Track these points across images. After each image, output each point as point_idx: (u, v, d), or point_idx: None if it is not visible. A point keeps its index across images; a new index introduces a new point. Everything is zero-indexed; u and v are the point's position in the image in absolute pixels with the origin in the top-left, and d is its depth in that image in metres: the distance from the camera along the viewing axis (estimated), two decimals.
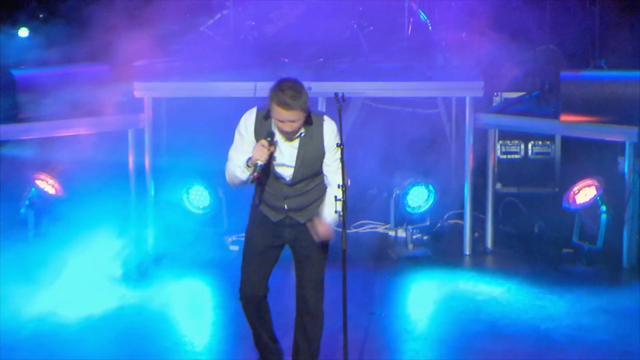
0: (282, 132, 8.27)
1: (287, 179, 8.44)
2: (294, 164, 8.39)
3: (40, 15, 12.39)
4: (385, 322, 10.19)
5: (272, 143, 8.25)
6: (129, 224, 11.44)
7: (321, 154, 8.43)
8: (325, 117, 8.51)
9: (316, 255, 8.58)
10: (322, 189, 8.61)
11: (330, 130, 8.42)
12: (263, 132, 8.33)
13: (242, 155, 8.34)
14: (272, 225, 8.59)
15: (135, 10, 11.66)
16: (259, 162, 8.11)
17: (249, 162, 8.17)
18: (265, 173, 8.37)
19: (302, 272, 8.62)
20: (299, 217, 8.56)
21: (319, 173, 8.56)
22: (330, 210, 8.28)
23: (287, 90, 8.09)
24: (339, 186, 8.14)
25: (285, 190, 8.52)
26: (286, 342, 8.92)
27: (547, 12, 11.61)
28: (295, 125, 8.19)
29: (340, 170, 8.28)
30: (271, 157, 8.28)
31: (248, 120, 8.38)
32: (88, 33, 11.83)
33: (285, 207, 8.54)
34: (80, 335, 9.86)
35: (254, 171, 8.13)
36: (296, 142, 8.40)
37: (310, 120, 8.37)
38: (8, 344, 9.68)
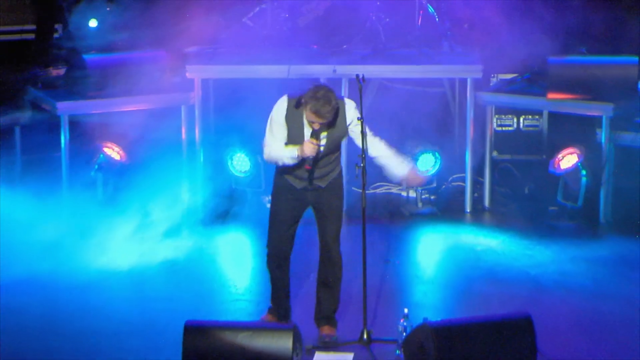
0: (312, 128, 8.26)
1: (311, 163, 8.47)
2: (322, 145, 8.35)
3: (107, 9, 12.30)
4: (398, 268, 10.21)
5: (319, 139, 8.27)
6: (182, 185, 11.42)
7: (344, 133, 8.46)
8: (346, 100, 8.52)
9: (335, 211, 8.63)
10: (337, 158, 8.66)
11: (350, 109, 8.41)
12: (296, 119, 8.36)
13: (279, 141, 8.37)
14: (297, 192, 8.59)
15: (187, 4, 11.54)
16: (310, 156, 8.25)
17: (298, 154, 8.23)
18: None
19: (324, 226, 8.62)
20: (320, 183, 8.58)
21: (339, 148, 8.62)
22: (400, 166, 8.54)
23: (321, 100, 8.08)
24: (359, 154, 8.18)
25: (310, 164, 8.50)
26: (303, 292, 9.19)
27: (537, 6, 11.48)
28: (324, 124, 8.23)
29: (377, 138, 8.42)
30: (302, 137, 8.32)
31: (280, 109, 8.35)
32: (147, 23, 11.77)
33: (311, 176, 8.55)
34: (142, 279, 9.91)
35: (305, 164, 8.31)
36: (324, 132, 8.38)
37: (337, 107, 8.30)
38: (81, 287, 9.72)
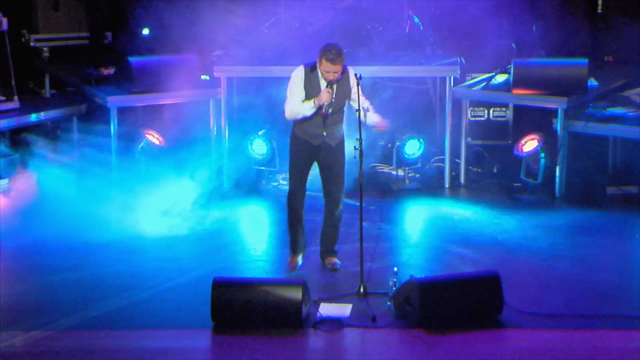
0: (328, 79, 8.65)
1: (329, 110, 8.75)
2: (335, 98, 8.70)
3: (150, 19, 12.31)
4: (388, 234, 10.21)
5: (333, 90, 8.66)
6: (210, 166, 11.36)
7: (349, 92, 8.84)
8: (349, 68, 8.93)
9: (340, 167, 9.00)
10: (342, 121, 9.05)
11: (352, 75, 8.79)
12: (312, 80, 8.79)
13: (299, 99, 8.81)
14: (312, 148, 8.91)
15: (215, 16, 11.57)
16: (325, 103, 8.64)
17: (315, 103, 8.66)
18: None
19: (330, 179, 9.01)
20: (330, 141, 8.90)
21: (343, 109, 8.97)
22: (374, 116, 8.90)
23: (333, 50, 8.58)
24: (359, 110, 8.59)
25: (324, 122, 8.84)
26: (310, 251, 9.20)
27: (505, 18, 11.46)
28: (337, 74, 8.64)
29: (363, 97, 8.76)
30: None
31: (299, 74, 8.80)
32: (184, 33, 11.76)
33: (324, 133, 8.87)
34: (177, 243, 9.90)
35: (322, 109, 8.68)
36: (334, 85, 8.71)
37: (344, 71, 8.73)
38: (127, 250, 9.74)
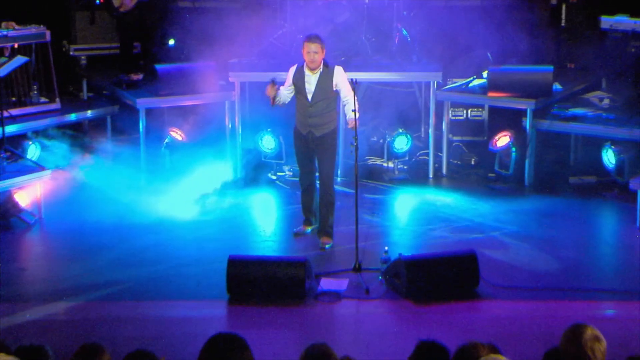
0: (310, 64, 8.79)
1: (309, 98, 8.84)
2: (314, 88, 8.79)
3: (174, 32, 12.32)
4: (380, 219, 10.18)
5: (275, 87, 8.89)
6: (226, 159, 11.33)
7: (330, 86, 8.84)
8: (336, 66, 9.00)
9: (328, 158, 9.03)
10: (331, 116, 9.04)
11: (338, 71, 8.90)
12: (298, 75, 8.93)
13: (286, 87, 9.03)
14: (303, 137, 9.02)
15: (231, 28, 11.49)
16: (269, 95, 8.93)
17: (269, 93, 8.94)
18: (300, 100, 8.97)
19: (321, 168, 9.07)
20: (316, 132, 8.94)
21: (328, 101, 8.94)
22: (348, 111, 8.74)
23: (312, 34, 8.89)
24: (352, 110, 8.56)
25: (308, 112, 8.89)
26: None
27: (481, 31, 11.43)
28: (317, 56, 8.74)
29: (353, 100, 8.63)
30: (303, 85, 8.88)
31: (292, 69, 9.01)
32: (203, 44, 11.68)
33: (310, 123, 8.91)
34: (196, 225, 9.90)
35: (273, 100, 8.96)
36: (317, 76, 8.80)
37: (327, 65, 8.84)
38: (153, 230, 9.75)
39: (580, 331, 4.67)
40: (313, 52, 8.67)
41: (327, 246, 9.07)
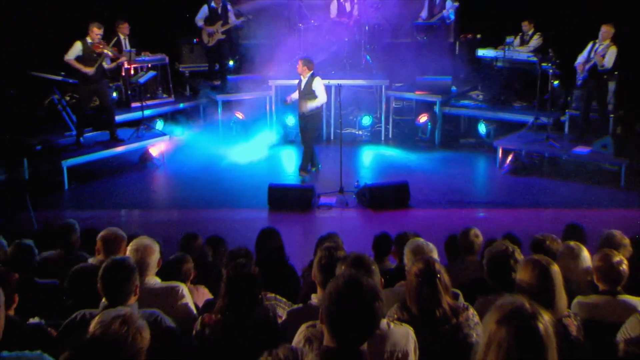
0: (300, 73, 8.39)
1: (301, 91, 8.46)
2: (303, 87, 8.48)
3: (235, 55, 12.06)
4: (352, 163, 9.90)
5: (288, 100, 8.67)
6: (267, 129, 11.14)
7: (310, 87, 8.46)
8: (316, 77, 8.53)
9: (309, 130, 8.67)
10: (313, 103, 8.54)
11: (316, 80, 8.51)
12: (299, 79, 8.48)
13: (294, 94, 8.63)
14: (300, 114, 8.72)
15: (268, 54, 11.28)
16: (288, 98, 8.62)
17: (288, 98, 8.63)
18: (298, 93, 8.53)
19: (302, 135, 8.73)
20: (302, 111, 8.61)
21: (312, 95, 8.50)
22: (308, 101, 8.36)
23: (300, 57, 8.57)
24: (310, 102, 8.30)
25: (300, 101, 8.56)
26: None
27: (414, 53, 11.28)
28: (300, 69, 8.43)
29: (322, 94, 8.41)
30: (299, 84, 8.43)
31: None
32: (253, 61, 11.51)
33: (299, 105, 8.60)
34: (250, 166, 9.69)
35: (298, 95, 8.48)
36: (305, 80, 8.43)
37: (313, 75, 8.45)
38: (222, 170, 9.60)
39: (469, 230, 4.68)
40: (300, 67, 8.57)
41: (304, 177, 8.86)
